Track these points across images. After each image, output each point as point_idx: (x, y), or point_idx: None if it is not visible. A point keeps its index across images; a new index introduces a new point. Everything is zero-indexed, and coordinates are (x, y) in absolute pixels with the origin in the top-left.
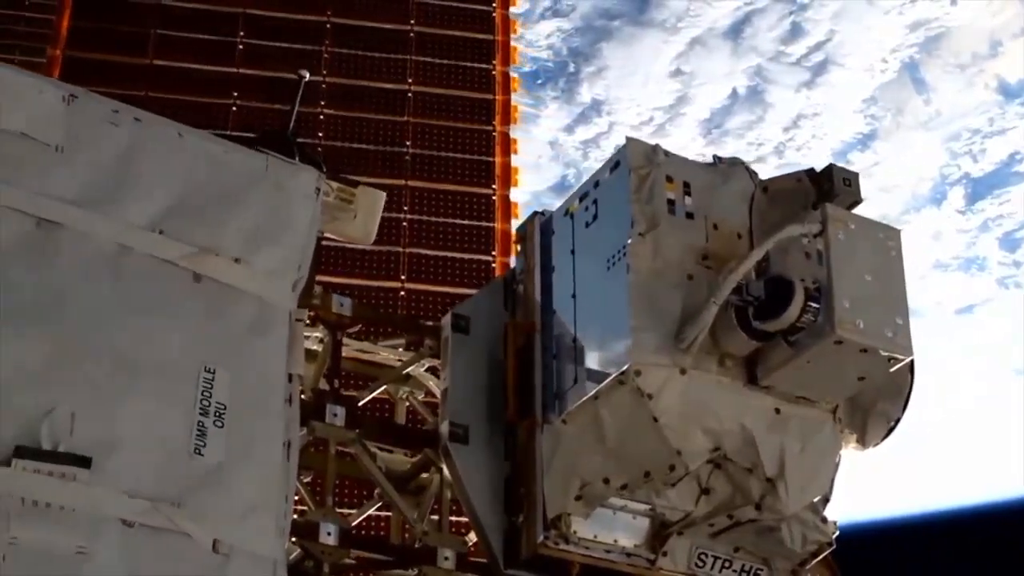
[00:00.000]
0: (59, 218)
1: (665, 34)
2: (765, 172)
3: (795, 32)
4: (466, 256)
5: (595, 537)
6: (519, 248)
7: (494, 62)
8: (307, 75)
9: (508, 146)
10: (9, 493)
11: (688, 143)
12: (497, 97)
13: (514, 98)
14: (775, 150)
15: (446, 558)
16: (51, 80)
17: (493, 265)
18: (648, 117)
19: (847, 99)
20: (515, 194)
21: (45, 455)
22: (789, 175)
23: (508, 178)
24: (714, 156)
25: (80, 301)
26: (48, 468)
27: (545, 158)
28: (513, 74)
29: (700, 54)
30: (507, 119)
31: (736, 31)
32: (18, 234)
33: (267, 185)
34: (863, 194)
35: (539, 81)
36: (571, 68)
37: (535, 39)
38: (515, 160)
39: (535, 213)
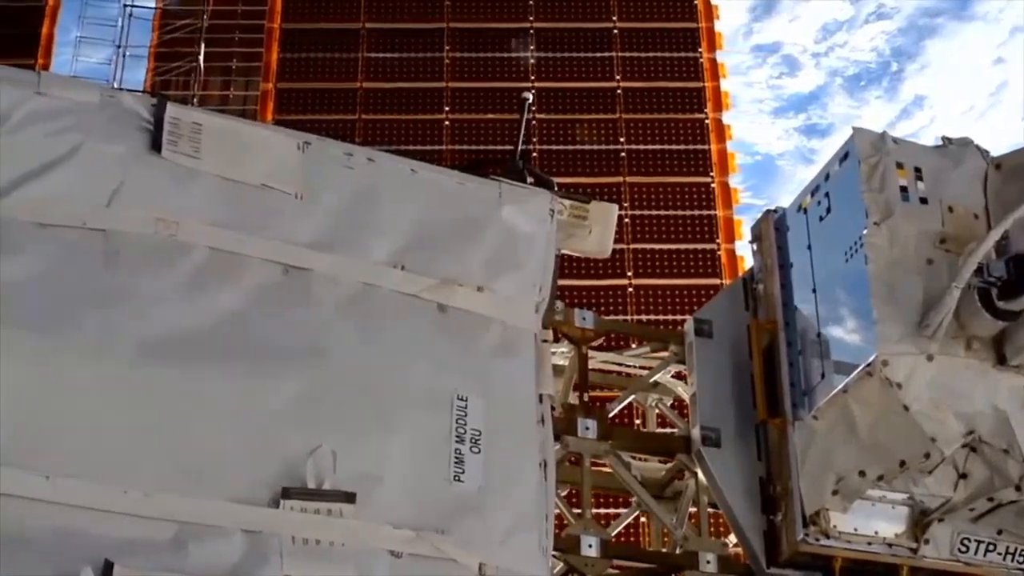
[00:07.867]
0: (305, 263)
1: (987, 25)
2: None
3: None
4: (690, 247)
5: (855, 530)
6: (755, 247)
7: (700, 49)
8: (530, 98)
9: (723, 133)
10: (279, 533)
11: (1007, 127)
12: (707, 84)
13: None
14: None
15: (708, 562)
16: (285, 130)
17: (718, 253)
18: (969, 106)
19: None
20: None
21: (311, 494)
22: (1021, 150)
23: (725, 164)
24: (943, 138)
25: (333, 341)
26: (315, 506)
27: None
28: (720, 60)
29: (1021, 40)
30: (719, 105)
31: None
32: (268, 282)
33: (502, 212)
34: None
35: (862, 83)
36: (894, 67)
37: (859, 44)
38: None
39: (768, 211)
